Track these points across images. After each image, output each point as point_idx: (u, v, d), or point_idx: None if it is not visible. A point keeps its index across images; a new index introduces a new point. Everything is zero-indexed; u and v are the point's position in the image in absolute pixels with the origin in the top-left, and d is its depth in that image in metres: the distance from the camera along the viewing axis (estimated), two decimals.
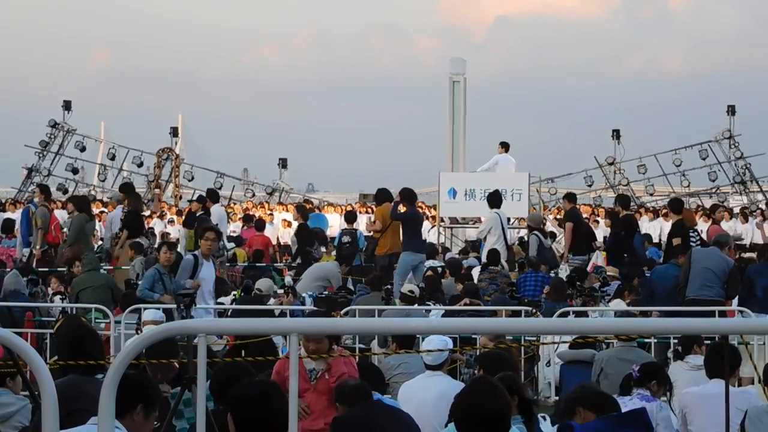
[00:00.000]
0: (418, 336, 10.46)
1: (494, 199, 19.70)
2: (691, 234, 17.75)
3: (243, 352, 11.36)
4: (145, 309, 13.02)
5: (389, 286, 15.64)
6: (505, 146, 24.61)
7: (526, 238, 21.95)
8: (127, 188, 20.78)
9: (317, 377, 8.16)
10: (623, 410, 6.82)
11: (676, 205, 18.72)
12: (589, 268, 18.38)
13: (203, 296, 13.39)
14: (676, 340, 12.32)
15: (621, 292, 15.64)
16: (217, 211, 20.92)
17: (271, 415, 5.12)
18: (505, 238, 19.06)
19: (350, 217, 22.03)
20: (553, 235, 25.30)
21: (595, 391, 6.96)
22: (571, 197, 20.66)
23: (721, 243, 15.13)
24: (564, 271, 18.53)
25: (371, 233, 20.01)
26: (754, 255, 23.26)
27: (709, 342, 10.45)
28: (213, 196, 22.10)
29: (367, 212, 31.60)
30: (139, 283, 14.80)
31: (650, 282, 15.57)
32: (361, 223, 27.96)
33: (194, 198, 36.69)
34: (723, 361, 8.65)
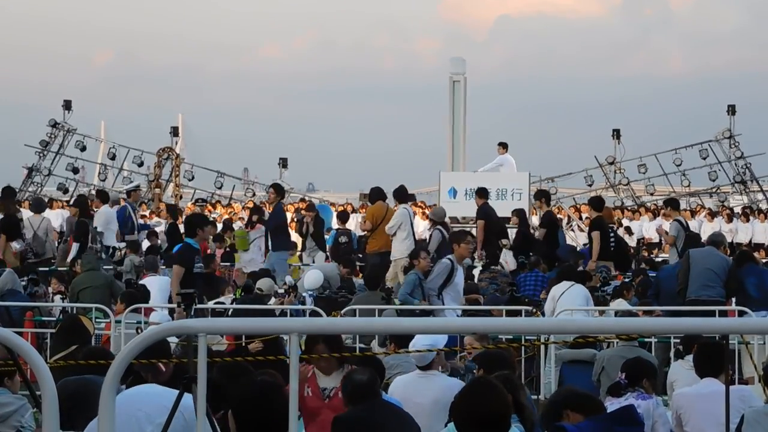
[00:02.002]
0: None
1: (401, 194, 19.62)
2: (610, 232, 18.08)
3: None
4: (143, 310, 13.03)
5: (389, 286, 15.65)
6: (504, 147, 24.63)
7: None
8: (6, 193, 20.68)
9: (330, 395, 8.13)
10: None
11: (596, 203, 18.86)
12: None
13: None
14: (677, 340, 12.32)
15: (621, 291, 15.63)
16: (105, 212, 20.33)
17: (272, 415, 5.12)
18: (413, 234, 19.05)
19: (343, 216, 22.06)
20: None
21: (580, 392, 6.92)
22: (482, 193, 20.28)
23: (717, 242, 15.16)
24: (477, 267, 18.51)
25: (364, 232, 20.07)
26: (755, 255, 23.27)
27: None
28: (103, 196, 21.81)
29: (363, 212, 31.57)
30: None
31: (657, 281, 15.58)
32: (354, 223, 28.04)
33: (193, 200, 36.77)
34: (714, 360, 8.65)
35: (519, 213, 19.71)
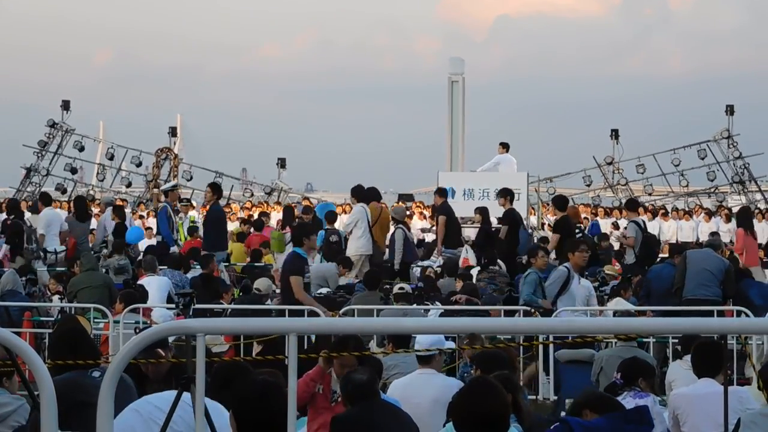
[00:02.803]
0: (414, 336, 10.44)
1: (359, 193, 19.65)
2: (577, 231, 18.12)
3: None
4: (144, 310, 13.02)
5: (388, 286, 15.64)
6: (505, 146, 24.63)
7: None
8: (43, 199, 20.79)
9: (338, 400, 8.15)
10: None
11: (560, 202, 18.89)
12: (461, 264, 18.44)
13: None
14: (675, 340, 12.33)
15: (618, 290, 15.63)
16: (46, 215, 20.29)
17: (273, 415, 5.11)
18: (371, 232, 19.03)
19: (330, 216, 22.03)
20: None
21: (601, 394, 7.05)
22: (441, 192, 20.21)
23: (715, 246, 15.30)
24: (436, 264, 18.45)
25: None
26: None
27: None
28: (45, 198, 21.69)
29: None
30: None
31: (647, 282, 15.61)
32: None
33: (190, 198, 36.74)
34: (712, 360, 8.66)
35: (482, 211, 19.72)
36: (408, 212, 32.26)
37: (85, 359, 6.90)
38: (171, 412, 5.37)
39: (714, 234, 23.89)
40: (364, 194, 19.39)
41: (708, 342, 9.21)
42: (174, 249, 19.30)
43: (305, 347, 11.17)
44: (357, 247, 18.47)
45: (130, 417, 5.78)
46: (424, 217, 31.47)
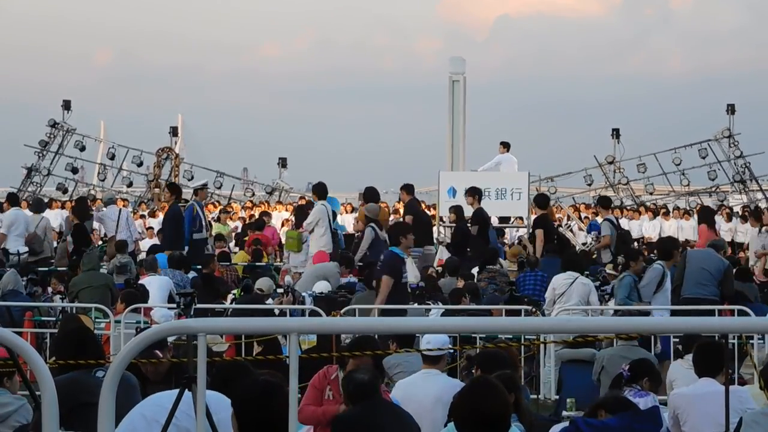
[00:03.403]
0: (417, 335, 10.44)
1: (321, 190, 19.63)
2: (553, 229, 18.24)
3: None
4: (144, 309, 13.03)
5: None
6: (506, 146, 24.63)
7: (525, 236, 21.96)
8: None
9: None
10: None
11: (541, 200, 18.92)
12: (436, 264, 18.42)
13: None
14: (677, 339, 12.32)
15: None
16: (10, 215, 20.22)
17: (274, 415, 5.11)
18: (332, 231, 19.07)
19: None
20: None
21: (618, 396, 7.15)
22: (408, 188, 20.16)
23: (717, 247, 15.29)
24: (409, 263, 18.37)
25: (357, 233, 20.11)
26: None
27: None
28: (11, 198, 21.59)
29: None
30: None
31: None
32: (348, 223, 28.09)
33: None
34: (712, 360, 8.67)
35: (456, 210, 19.71)
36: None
37: (90, 359, 6.91)
38: (172, 412, 5.37)
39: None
40: (323, 191, 19.51)
41: (709, 342, 9.23)
42: (185, 249, 19.28)
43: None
44: (319, 246, 18.58)
45: (135, 419, 5.80)
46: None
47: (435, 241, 19.15)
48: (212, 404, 5.54)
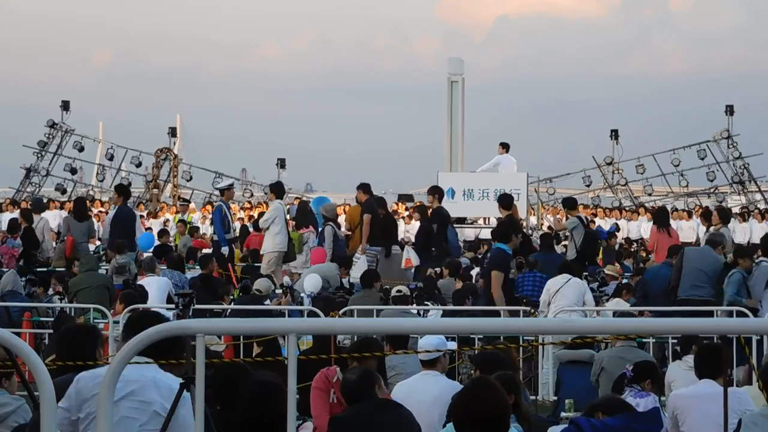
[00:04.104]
0: (413, 336, 10.43)
1: (278, 189, 19.81)
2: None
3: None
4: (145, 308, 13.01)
5: (388, 286, 15.64)
6: (505, 147, 24.63)
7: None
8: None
9: None
10: None
11: (506, 200, 18.97)
12: (403, 265, 18.42)
13: None
14: (674, 341, 12.32)
15: (620, 291, 15.63)
16: None
17: (273, 415, 5.13)
18: (287, 228, 19.19)
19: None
20: (557, 236, 25.30)
21: (616, 398, 7.16)
22: (365, 188, 20.06)
23: (715, 242, 15.17)
24: (362, 262, 18.37)
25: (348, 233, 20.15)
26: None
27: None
28: None
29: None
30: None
31: (644, 282, 15.59)
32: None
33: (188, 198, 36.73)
34: (713, 361, 8.67)
35: (420, 209, 19.73)
36: (407, 212, 32.29)
37: (91, 360, 6.89)
38: (172, 412, 5.36)
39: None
40: (280, 190, 19.52)
41: (710, 344, 9.24)
42: (225, 249, 19.26)
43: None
44: (274, 244, 18.67)
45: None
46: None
47: (401, 240, 19.10)
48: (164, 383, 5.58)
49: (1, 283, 15.96)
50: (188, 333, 4.12)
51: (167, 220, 31.74)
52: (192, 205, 35.30)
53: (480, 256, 19.18)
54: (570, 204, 19.86)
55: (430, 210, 19.68)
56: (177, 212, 32.72)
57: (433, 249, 18.64)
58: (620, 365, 10.10)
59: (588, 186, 40.71)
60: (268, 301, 15.15)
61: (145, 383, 5.68)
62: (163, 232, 24.25)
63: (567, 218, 19.28)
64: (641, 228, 32.40)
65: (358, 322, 9.25)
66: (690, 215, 32.69)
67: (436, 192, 19.65)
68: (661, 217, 19.05)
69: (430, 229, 18.89)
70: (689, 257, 14.52)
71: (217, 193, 26.35)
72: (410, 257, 18.45)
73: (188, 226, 26.81)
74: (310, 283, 15.82)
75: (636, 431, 6.26)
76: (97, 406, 5.51)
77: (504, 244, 13.94)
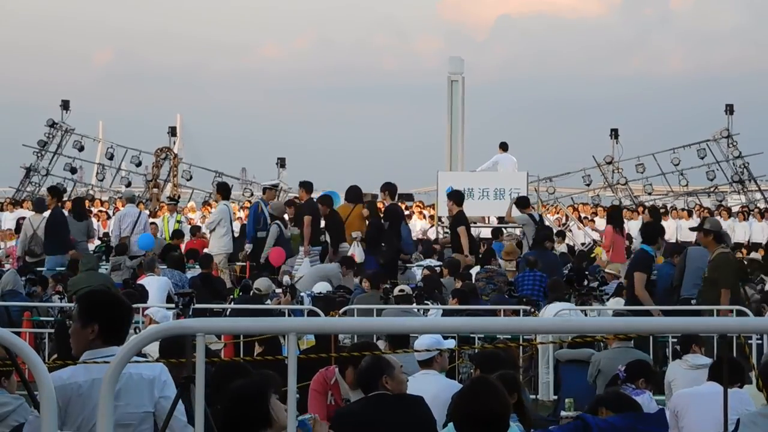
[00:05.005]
0: (412, 335, 10.43)
1: (224, 190, 19.92)
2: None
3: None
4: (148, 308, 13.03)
5: (388, 285, 15.65)
6: (504, 147, 24.65)
7: (520, 234, 21.96)
8: (221, 188, 21.00)
9: None
10: None
11: (457, 197, 19.00)
12: (346, 257, 18.42)
13: None
14: (675, 339, 12.32)
15: (620, 290, 15.63)
16: None
17: (256, 414, 5.15)
18: (232, 231, 19.24)
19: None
20: (561, 234, 25.31)
21: (621, 394, 7.17)
22: (306, 186, 20.14)
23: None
24: (306, 264, 18.28)
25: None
26: (758, 255, 23.40)
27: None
28: None
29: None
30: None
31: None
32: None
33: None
34: (731, 371, 8.70)
35: (370, 206, 19.72)
36: (408, 212, 32.29)
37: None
38: (171, 413, 5.36)
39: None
40: (226, 192, 19.68)
41: (731, 357, 9.35)
42: (249, 246, 19.26)
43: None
44: (219, 246, 18.69)
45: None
46: (424, 217, 31.48)
47: (351, 237, 19.03)
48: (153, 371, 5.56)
49: (2, 283, 15.96)
50: (188, 332, 4.11)
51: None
52: (192, 204, 35.29)
53: (481, 256, 19.13)
54: (522, 202, 19.97)
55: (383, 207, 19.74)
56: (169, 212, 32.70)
57: (383, 245, 18.69)
58: (616, 366, 10.12)
59: (588, 185, 40.70)
60: (268, 301, 15.16)
61: (129, 384, 5.59)
62: (178, 233, 24.23)
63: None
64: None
65: (358, 321, 9.25)
66: (690, 214, 32.68)
67: (387, 189, 19.66)
68: (616, 217, 19.26)
69: (380, 226, 18.92)
70: (692, 256, 14.52)
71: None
72: (355, 252, 18.50)
73: (178, 216, 26.83)
74: (318, 286, 15.82)
75: None
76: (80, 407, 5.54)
77: (649, 245, 14.09)
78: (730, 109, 38.95)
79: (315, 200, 19.38)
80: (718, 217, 31.52)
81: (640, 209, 35.00)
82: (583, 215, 32.59)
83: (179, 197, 38.20)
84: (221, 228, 18.90)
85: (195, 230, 25.48)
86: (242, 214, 33.69)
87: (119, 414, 5.37)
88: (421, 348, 9.05)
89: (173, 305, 13.33)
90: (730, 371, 8.66)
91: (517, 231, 21.42)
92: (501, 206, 22.01)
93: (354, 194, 19.81)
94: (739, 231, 31.18)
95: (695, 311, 13.27)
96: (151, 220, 31.13)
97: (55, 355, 13.15)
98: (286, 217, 19.91)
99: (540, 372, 13.53)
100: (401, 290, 14.54)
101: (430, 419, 7.24)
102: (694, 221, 31.77)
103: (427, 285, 16.25)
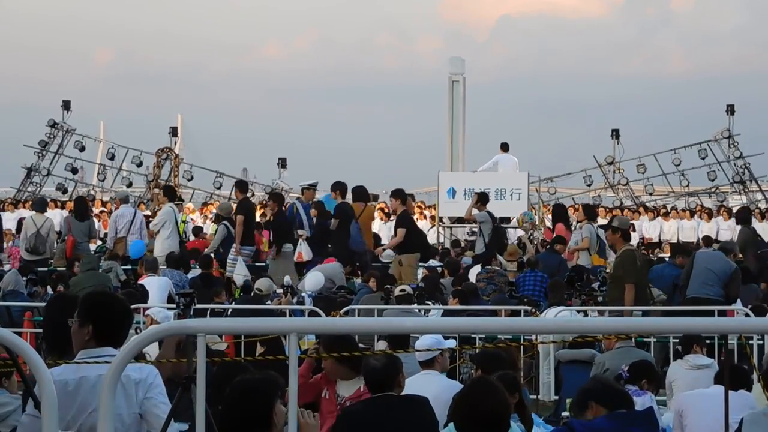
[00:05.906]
0: (412, 336, 10.43)
1: (170, 192, 20.12)
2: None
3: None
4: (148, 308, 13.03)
5: (389, 286, 15.65)
6: (504, 147, 24.65)
7: (524, 236, 21.97)
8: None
9: (341, 404, 8.11)
10: None
11: (401, 194, 19.05)
12: (296, 258, 18.38)
13: None
14: (676, 340, 12.32)
15: None
16: None
17: (252, 414, 5.15)
18: (178, 232, 19.26)
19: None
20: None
21: (609, 385, 6.91)
22: (242, 188, 20.26)
23: (727, 250, 15.32)
24: (240, 263, 18.20)
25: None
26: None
27: (709, 342, 10.47)
28: None
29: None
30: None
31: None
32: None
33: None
34: (735, 377, 8.71)
35: (318, 205, 19.72)
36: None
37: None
38: (172, 412, 5.36)
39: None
40: (172, 194, 19.99)
41: (738, 366, 9.37)
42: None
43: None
44: (164, 248, 18.70)
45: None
46: (425, 217, 31.47)
47: (296, 235, 19.00)
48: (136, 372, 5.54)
49: (3, 283, 15.97)
50: (189, 333, 4.12)
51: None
52: (191, 205, 35.30)
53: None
54: (483, 199, 20.02)
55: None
56: None
57: (329, 246, 18.72)
58: (620, 366, 10.12)
59: (589, 185, 40.68)
60: (269, 301, 15.16)
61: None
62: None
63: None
64: (642, 227, 32.39)
65: (359, 321, 9.25)
66: (692, 215, 32.67)
67: (338, 188, 19.65)
68: (564, 217, 19.37)
69: (324, 226, 19.00)
70: (700, 259, 14.60)
71: (216, 193, 26.33)
72: (302, 251, 18.50)
73: (183, 216, 26.86)
74: (313, 282, 15.82)
75: None
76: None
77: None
78: (731, 110, 38.93)
79: (249, 199, 19.50)
80: (718, 218, 31.60)
81: (641, 210, 35.03)
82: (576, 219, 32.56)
83: (191, 198, 38.26)
84: (165, 230, 18.95)
85: (197, 230, 25.50)
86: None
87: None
88: (422, 348, 9.04)
89: (174, 305, 13.33)
90: (736, 377, 8.68)
91: (475, 228, 21.54)
92: (501, 206, 22.00)
93: (360, 194, 19.77)
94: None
95: (695, 311, 13.29)
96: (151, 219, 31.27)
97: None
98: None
99: (541, 372, 13.53)
100: (402, 290, 14.55)
101: (435, 420, 7.21)
102: (695, 222, 31.79)
103: (428, 285, 16.26)
